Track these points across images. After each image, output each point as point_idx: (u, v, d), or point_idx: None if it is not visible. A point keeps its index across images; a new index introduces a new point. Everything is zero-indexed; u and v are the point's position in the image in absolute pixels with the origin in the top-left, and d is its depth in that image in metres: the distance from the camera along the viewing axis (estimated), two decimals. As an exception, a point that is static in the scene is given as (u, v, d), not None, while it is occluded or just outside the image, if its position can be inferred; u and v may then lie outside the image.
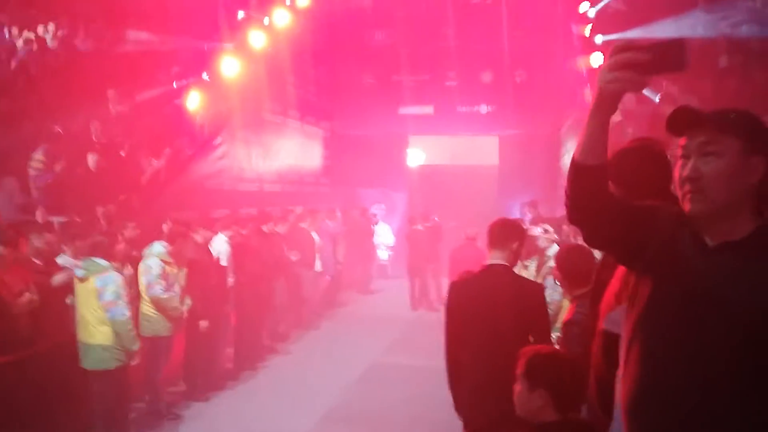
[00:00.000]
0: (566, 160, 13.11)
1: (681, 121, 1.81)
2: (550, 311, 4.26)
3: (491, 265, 3.91)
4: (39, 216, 7.64)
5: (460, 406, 3.95)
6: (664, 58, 1.75)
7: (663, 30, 12.09)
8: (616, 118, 9.97)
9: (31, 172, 8.51)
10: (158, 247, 6.63)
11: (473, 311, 3.80)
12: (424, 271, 12.78)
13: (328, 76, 15.67)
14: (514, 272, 4.01)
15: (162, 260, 6.56)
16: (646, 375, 1.80)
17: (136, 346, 5.93)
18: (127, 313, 5.82)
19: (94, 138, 9.34)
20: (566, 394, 2.58)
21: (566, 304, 5.43)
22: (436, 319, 11.22)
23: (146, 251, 6.66)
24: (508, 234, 3.94)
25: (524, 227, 4.72)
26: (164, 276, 6.55)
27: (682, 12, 12.33)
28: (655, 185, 2.33)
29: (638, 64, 1.75)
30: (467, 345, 3.84)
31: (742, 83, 10.92)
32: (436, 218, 13.48)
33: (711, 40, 11.93)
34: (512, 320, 3.66)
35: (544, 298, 3.99)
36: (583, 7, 13.16)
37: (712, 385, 1.69)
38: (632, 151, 2.50)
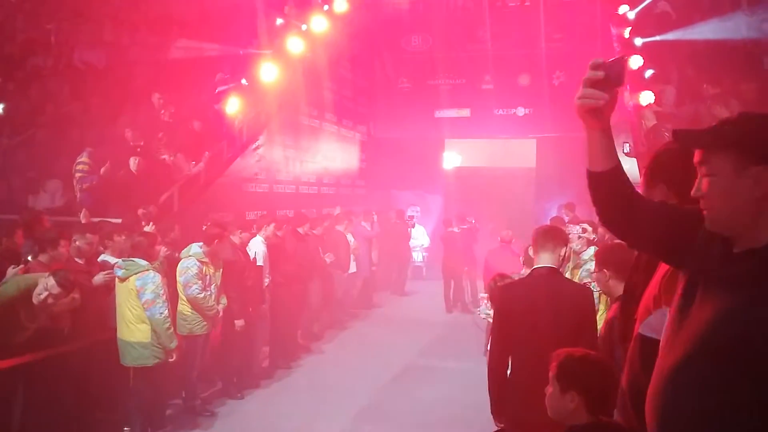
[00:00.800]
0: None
1: (680, 144, 1.88)
2: None
3: (539, 269, 3.92)
4: (82, 217, 7.89)
5: (499, 410, 3.94)
6: (610, 75, 1.88)
7: (705, 32, 11.90)
8: (650, 122, 9.87)
9: (77, 174, 8.79)
10: (195, 248, 6.81)
11: (523, 315, 3.82)
12: (459, 273, 12.79)
13: (366, 81, 15.79)
14: (562, 275, 4.01)
15: (199, 260, 6.73)
16: (662, 369, 1.84)
17: (173, 344, 6.09)
18: (165, 312, 5.99)
19: (136, 142, 9.60)
20: (598, 396, 2.59)
21: (602, 309, 5.46)
22: (471, 322, 11.26)
23: (184, 252, 6.83)
24: (556, 239, 3.96)
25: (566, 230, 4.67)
26: (201, 276, 6.72)
27: (725, 14, 12.11)
28: None
29: (597, 81, 1.89)
30: (516, 348, 3.85)
31: (787, 86, 10.67)
32: (472, 220, 13.46)
33: (754, 42, 11.69)
34: (562, 324, 3.66)
35: (593, 301, 3.99)
36: (623, 9, 13.01)
37: (729, 385, 1.69)
38: (676, 149, 2.47)
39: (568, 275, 6.42)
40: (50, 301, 5.07)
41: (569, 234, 6.00)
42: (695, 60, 11.72)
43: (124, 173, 8.84)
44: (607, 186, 1.98)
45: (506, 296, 4.00)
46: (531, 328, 3.74)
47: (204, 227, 7.33)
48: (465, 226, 13.05)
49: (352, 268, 11.44)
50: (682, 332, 1.81)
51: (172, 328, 6.15)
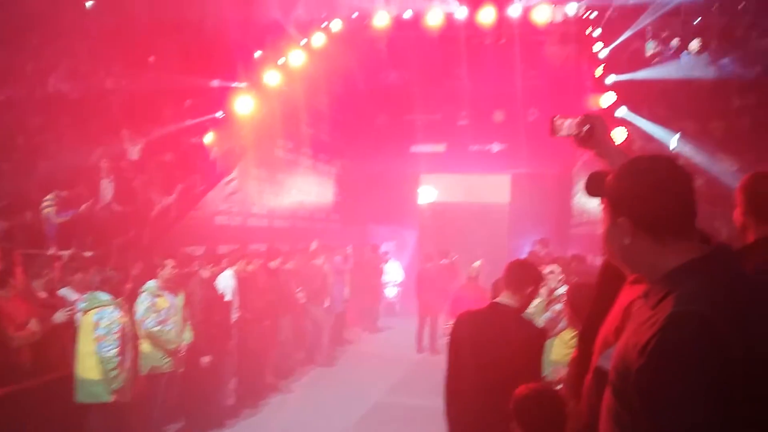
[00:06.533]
0: (578, 200, 13.05)
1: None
2: None
3: (498, 304, 3.91)
4: (51, 250, 7.76)
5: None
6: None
7: (675, 71, 12.13)
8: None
9: (44, 214, 8.68)
10: (150, 283, 6.67)
11: (476, 346, 3.83)
12: (436, 311, 12.63)
13: (342, 115, 15.84)
14: (520, 316, 3.96)
15: (152, 294, 6.55)
16: None
17: (115, 385, 5.86)
18: (114, 351, 5.81)
19: (108, 175, 9.52)
20: (539, 427, 2.59)
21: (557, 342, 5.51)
22: (442, 360, 11.07)
23: (142, 288, 6.68)
24: (525, 278, 3.94)
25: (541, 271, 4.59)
26: (155, 309, 6.53)
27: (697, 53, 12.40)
28: None
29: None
30: (467, 378, 3.85)
31: (755, 123, 10.87)
32: (455, 257, 13.33)
33: (723, 81, 11.92)
34: (513, 362, 3.65)
35: (543, 345, 4.02)
36: (596, 47, 13.24)
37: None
38: None
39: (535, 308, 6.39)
40: None
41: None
42: (666, 98, 11.91)
43: (97, 207, 8.77)
44: None
45: (462, 325, 4.03)
46: (482, 359, 3.77)
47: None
48: (445, 261, 12.91)
49: (326, 303, 11.31)
50: None
51: (118, 370, 5.87)
